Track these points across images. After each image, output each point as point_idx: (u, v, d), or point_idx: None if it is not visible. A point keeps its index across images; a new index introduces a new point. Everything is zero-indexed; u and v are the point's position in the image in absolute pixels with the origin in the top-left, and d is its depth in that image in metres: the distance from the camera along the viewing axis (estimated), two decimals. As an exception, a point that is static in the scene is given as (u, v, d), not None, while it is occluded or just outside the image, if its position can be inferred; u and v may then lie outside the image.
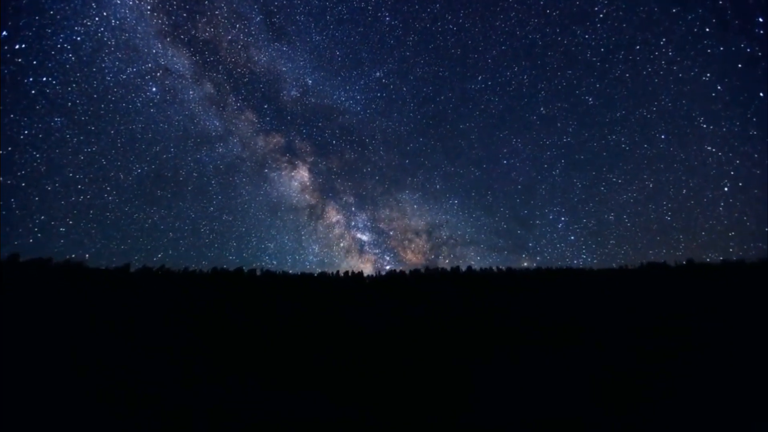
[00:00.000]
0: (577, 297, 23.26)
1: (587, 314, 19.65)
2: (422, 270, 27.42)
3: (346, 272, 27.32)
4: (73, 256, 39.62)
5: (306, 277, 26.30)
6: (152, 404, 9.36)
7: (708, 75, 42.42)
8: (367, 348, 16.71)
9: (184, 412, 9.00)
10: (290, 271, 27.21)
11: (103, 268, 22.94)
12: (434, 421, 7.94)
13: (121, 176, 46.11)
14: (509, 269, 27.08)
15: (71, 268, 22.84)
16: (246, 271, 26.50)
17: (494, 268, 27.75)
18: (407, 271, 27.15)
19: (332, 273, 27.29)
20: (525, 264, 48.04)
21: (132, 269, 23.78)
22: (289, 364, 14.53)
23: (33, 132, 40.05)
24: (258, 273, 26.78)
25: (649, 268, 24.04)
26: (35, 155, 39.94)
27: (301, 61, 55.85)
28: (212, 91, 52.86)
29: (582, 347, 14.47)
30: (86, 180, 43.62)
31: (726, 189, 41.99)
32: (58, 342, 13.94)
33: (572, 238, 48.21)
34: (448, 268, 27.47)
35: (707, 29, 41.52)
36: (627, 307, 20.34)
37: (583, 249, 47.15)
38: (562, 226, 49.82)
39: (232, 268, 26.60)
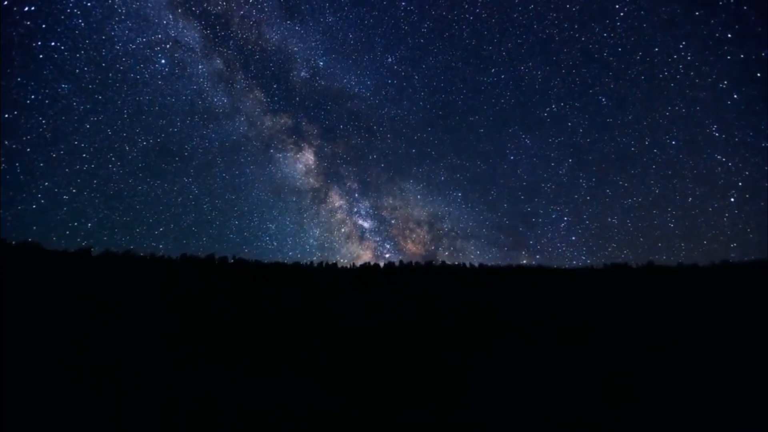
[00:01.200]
0: (553, 295, 23.78)
1: (562, 313, 20.03)
2: (396, 264, 27.55)
3: (320, 263, 27.17)
4: (76, 224, 40.35)
5: (279, 266, 25.98)
6: (111, 393, 9.04)
7: (725, 82, 41.89)
8: (337, 338, 16.63)
9: (148, 401, 8.72)
10: (264, 260, 26.86)
11: (61, 250, 22.01)
12: (422, 415, 7.91)
13: (126, 147, 45.63)
14: (482, 266, 27.51)
15: (28, 249, 21.82)
16: (217, 258, 25.96)
17: (467, 263, 28.11)
18: (381, 264, 27.25)
19: (306, 263, 27.07)
20: (524, 261, 48.22)
21: (94, 253, 22.91)
22: (259, 353, 14.33)
23: (39, 97, 39.51)
24: (230, 261, 26.27)
25: (614, 268, 24.84)
26: (41, 121, 39.43)
27: (313, 42, 54.50)
28: (221, 67, 52.04)
29: (559, 347, 14.66)
30: (91, 149, 43.20)
31: (732, 200, 41.68)
32: (12, 328, 13.30)
33: (573, 238, 48.22)
34: (423, 263, 27.70)
35: (729, 35, 40.83)
36: (597, 306, 20.88)
37: (584, 250, 47.29)
38: (564, 226, 49.71)
39: (203, 255, 26.01)
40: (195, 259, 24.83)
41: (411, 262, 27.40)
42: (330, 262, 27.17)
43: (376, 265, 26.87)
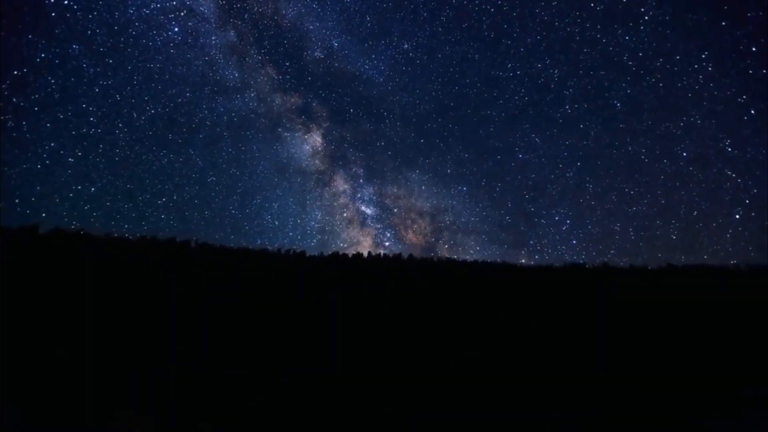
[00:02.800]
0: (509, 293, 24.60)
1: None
2: (365, 255, 27.63)
3: (288, 250, 26.81)
4: (79, 187, 40.07)
5: (244, 252, 25.40)
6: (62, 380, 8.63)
7: (744, 97, 41.13)
8: (304, 327, 16.53)
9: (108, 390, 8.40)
10: (231, 245, 26.16)
11: (5, 226, 20.41)
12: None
13: (134, 114, 45.23)
14: (449, 260, 28.08)
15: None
16: (179, 241, 24.99)
17: (435, 259, 28.59)
18: (350, 254, 27.26)
19: (274, 249, 26.64)
20: (523, 260, 48.82)
21: (42, 230, 21.45)
22: (220, 341, 14.06)
23: (50, 56, 38.58)
24: (192, 245, 25.39)
25: (571, 268, 26.07)
26: (50, 80, 38.80)
27: (330, 21, 53.61)
28: (235, 39, 51.13)
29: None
30: (99, 113, 42.65)
31: (737, 216, 41.25)
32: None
33: (574, 242, 48.56)
34: (391, 255, 27.92)
35: (753, 48, 39.77)
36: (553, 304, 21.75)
37: (583, 254, 47.84)
38: (566, 229, 49.64)
39: (163, 238, 24.94)
40: (153, 240, 23.79)
41: (380, 254, 27.60)
42: (299, 250, 26.91)
43: (345, 255, 26.89)
